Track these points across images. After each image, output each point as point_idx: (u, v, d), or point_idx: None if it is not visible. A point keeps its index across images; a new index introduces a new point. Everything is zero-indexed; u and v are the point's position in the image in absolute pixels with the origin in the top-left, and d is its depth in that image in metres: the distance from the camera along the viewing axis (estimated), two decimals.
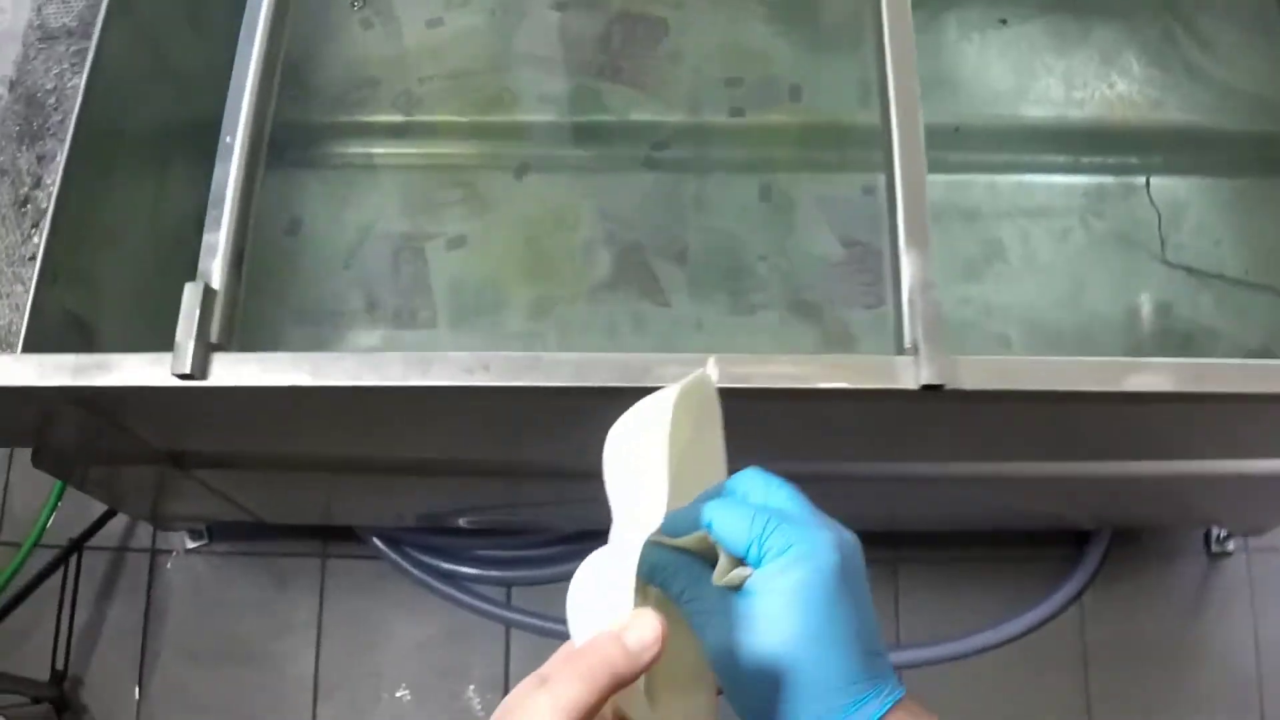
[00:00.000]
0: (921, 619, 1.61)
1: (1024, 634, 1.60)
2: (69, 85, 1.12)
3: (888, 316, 0.95)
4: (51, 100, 1.07)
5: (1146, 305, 1.44)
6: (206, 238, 0.96)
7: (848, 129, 1.07)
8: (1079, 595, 1.62)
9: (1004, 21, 1.51)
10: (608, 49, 1.03)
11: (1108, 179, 1.47)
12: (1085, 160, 1.48)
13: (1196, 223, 1.46)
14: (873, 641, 0.47)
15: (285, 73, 0.96)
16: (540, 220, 0.98)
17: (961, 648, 1.59)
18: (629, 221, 0.97)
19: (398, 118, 1.06)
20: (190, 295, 0.93)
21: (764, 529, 0.47)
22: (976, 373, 0.90)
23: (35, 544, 1.46)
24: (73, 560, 1.58)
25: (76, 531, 1.58)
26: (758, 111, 0.99)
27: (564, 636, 0.44)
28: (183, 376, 0.90)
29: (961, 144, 1.38)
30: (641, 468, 0.49)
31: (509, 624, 1.63)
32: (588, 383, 0.90)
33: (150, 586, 1.70)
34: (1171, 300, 1.42)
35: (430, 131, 1.05)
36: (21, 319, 0.99)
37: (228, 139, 1.00)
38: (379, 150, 1.05)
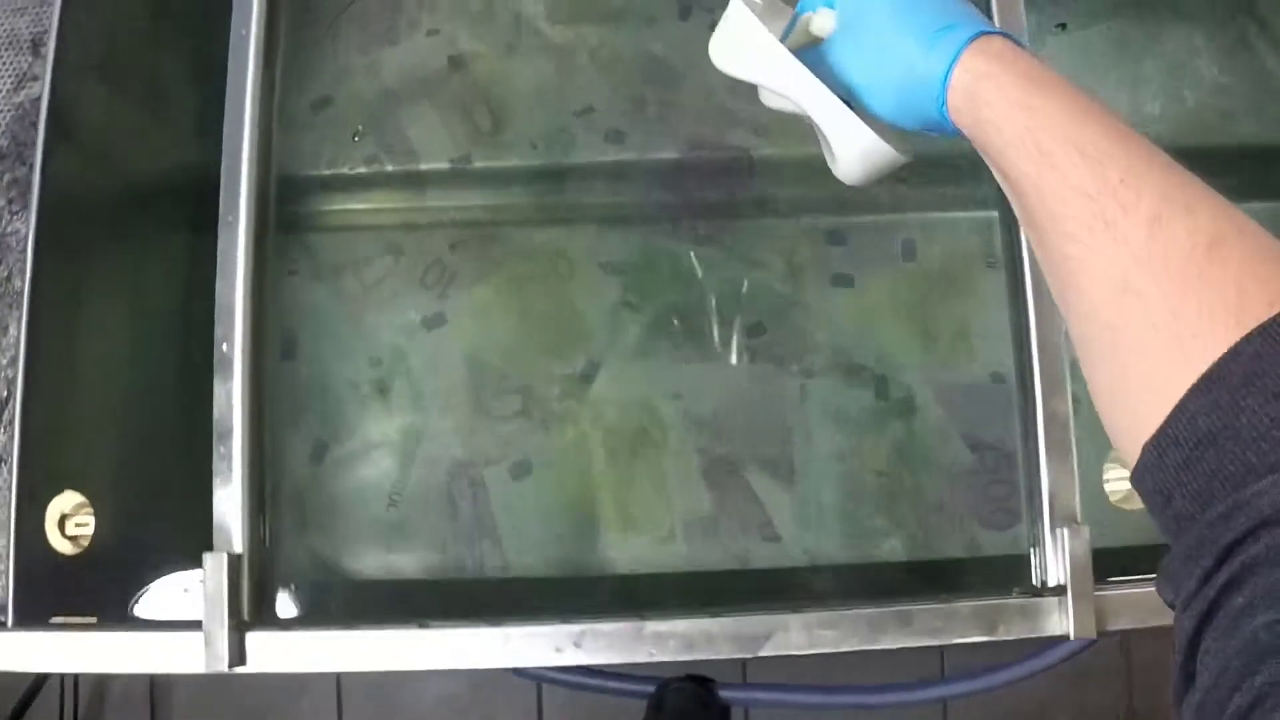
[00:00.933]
0: None
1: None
2: (9, 230, 0.91)
3: (1022, 538, 0.83)
4: None
5: None
6: (218, 491, 0.79)
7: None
8: None
9: (1063, 26, 1.30)
10: (682, 195, 0.83)
11: None
12: None
13: None
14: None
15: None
16: (618, 432, 0.82)
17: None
18: (720, 428, 0.82)
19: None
20: (213, 569, 0.77)
21: None
22: (1139, 611, 0.80)
23: None
24: None
25: None
26: (868, 277, 0.82)
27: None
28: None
29: None
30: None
31: (540, 680, 1.55)
32: (698, 655, 0.78)
33: None
34: None
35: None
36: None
37: (223, 346, 0.81)
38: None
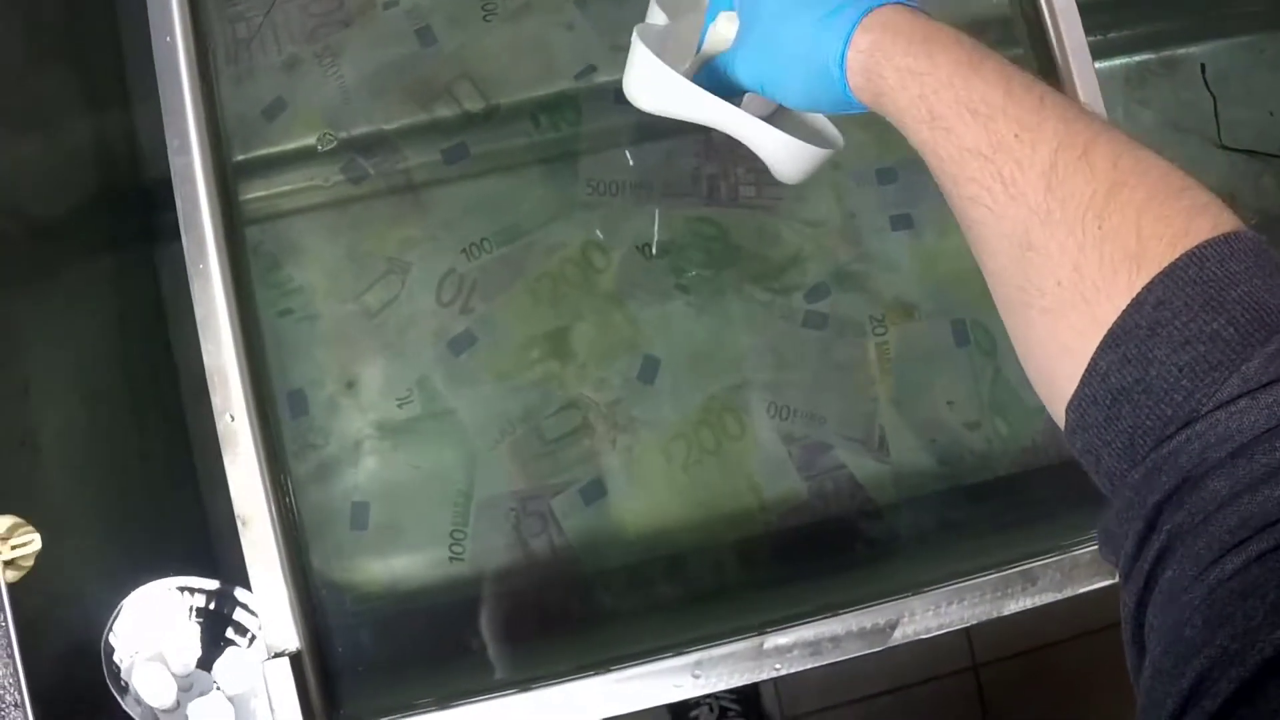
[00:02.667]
0: None
1: None
2: None
3: None
4: None
5: None
6: (257, 587, 0.68)
7: None
8: None
9: None
10: (715, 158, 0.71)
11: (1149, 56, 1.28)
12: (1114, 36, 1.28)
13: (1245, 91, 1.30)
14: None
15: None
16: (692, 431, 0.72)
17: None
18: (800, 404, 0.74)
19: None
20: (275, 677, 0.67)
21: None
22: None
23: None
24: None
25: None
26: (926, 216, 0.74)
27: None
28: None
29: None
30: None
31: None
32: (826, 660, 0.72)
33: None
34: (1235, 189, 1.29)
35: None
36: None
37: (228, 418, 0.69)
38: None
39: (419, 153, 0.74)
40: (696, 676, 0.70)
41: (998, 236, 0.42)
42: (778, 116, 0.61)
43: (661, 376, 0.75)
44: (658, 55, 0.56)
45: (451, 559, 0.72)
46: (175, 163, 0.68)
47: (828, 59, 0.48)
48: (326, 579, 0.72)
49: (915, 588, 0.72)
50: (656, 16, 0.61)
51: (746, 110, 0.58)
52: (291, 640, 0.68)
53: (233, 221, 0.70)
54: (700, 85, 0.57)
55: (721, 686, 0.71)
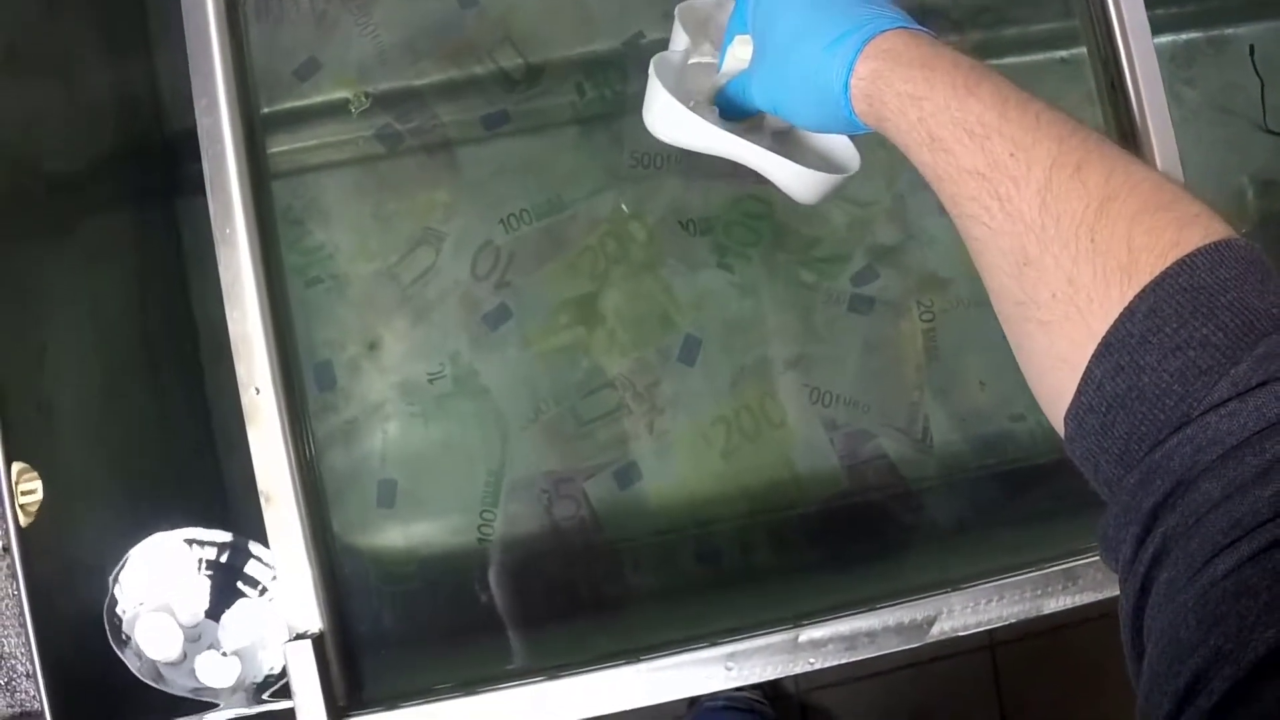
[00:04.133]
0: None
1: None
2: None
3: None
4: None
5: (1250, 187, 1.28)
6: (280, 569, 0.66)
7: None
8: None
9: None
10: None
11: (1197, 34, 1.24)
12: (1162, 12, 1.24)
13: None
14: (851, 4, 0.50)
15: None
16: (733, 415, 0.69)
17: None
18: (844, 391, 0.71)
19: None
20: (297, 659, 0.65)
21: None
22: None
23: None
24: None
25: None
26: None
27: None
28: None
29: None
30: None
31: None
32: (861, 655, 0.70)
33: None
34: (1276, 174, 1.26)
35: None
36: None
37: (254, 390, 0.66)
38: None
39: (457, 117, 0.71)
40: (729, 669, 0.69)
41: (997, 253, 0.43)
42: (796, 135, 0.61)
43: (702, 358, 0.72)
44: (677, 83, 0.58)
45: (480, 540, 0.70)
46: (203, 122, 0.65)
47: (833, 86, 0.49)
48: (351, 558, 0.70)
49: (953, 581, 0.71)
50: (679, 40, 0.62)
51: (767, 128, 0.60)
52: (314, 621, 0.66)
53: (261, 184, 0.67)
54: (721, 104, 0.59)
55: (754, 679, 0.69)
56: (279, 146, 0.71)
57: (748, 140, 0.57)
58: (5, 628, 0.73)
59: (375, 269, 0.71)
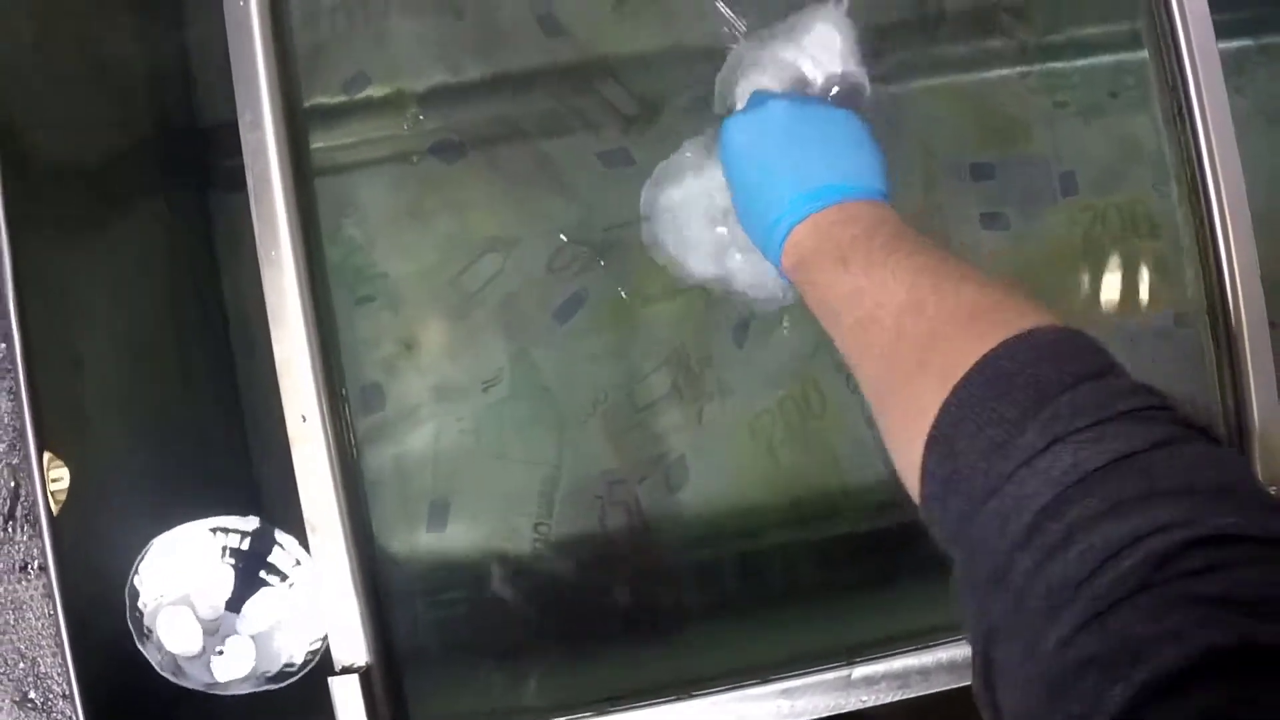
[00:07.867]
0: None
1: None
2: None
3: None
4: None
5: None
6: (328, 599, 0.64)
7: None
8: None
9: None
10: None
11: (1248, 42, 1.20)
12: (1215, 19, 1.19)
13: None
14: (813, 172, 0.59)
15: None
16: (782, 408, 0.67)
17: None
18: None
19: None
20: (344, 695, 0.64)
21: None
22: None
23: None
24: None
25: None
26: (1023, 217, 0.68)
27: None
28: None
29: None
30: None
31: None
32: (913, 692, 0.69)
33: None
34: None
35: None
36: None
37: (302, 417, 0.64)
38: None
39: (514, 144, 0.68)
40: (780, 706, 0.68)
41: (872, 381, 0.52)
42: None
43: (750, 340, 0.71)
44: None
45: (533, 556, 0.68)
46: (247, 139, 0.62)
47: (771, 256, 0.60)
48: (400, 586, 0.68)
49: None
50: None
51: None
52: (361, 655, 0.65)
53: (308, 206, 0.64)
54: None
55: (808, 717, 0.68)
56: (326, 162, 0.67)
57: None
58: (41, 647, 0.72)
59: (432, 283, 0.68)
